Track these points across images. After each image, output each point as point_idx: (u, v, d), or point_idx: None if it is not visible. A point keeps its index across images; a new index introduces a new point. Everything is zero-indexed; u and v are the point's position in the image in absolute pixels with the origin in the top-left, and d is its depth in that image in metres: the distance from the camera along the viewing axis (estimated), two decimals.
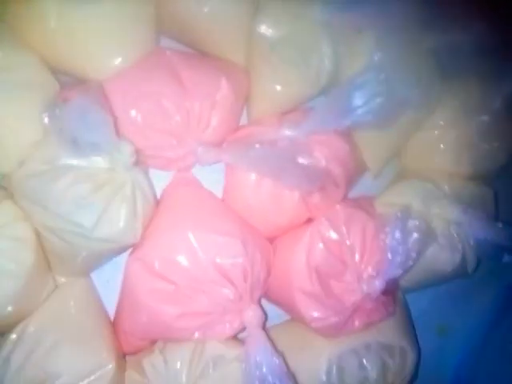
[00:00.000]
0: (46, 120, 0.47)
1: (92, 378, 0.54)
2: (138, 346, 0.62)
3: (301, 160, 0.58)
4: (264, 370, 0.55)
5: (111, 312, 0.63)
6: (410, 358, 0.68)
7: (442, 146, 0.72)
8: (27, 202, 0.52)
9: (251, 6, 0.61)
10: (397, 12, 0.61)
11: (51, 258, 0.57)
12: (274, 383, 0.54)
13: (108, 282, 0.64)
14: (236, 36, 0.63)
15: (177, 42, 0.65)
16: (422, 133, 0.72)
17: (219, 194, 0.67)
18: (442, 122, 0.71)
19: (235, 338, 0.62)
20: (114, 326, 0.62)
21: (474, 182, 0.72)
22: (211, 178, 0.68)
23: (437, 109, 0.71)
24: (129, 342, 0.62)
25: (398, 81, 0.61)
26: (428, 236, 0.63)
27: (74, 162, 0.52)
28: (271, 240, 0.67)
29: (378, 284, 0.61)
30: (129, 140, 0.53)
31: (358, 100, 0.56)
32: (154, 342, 0.62)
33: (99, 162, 0.53)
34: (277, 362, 0.55)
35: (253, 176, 0.62)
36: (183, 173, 0.66)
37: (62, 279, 0.60)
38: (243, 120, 0.69)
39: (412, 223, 0.61)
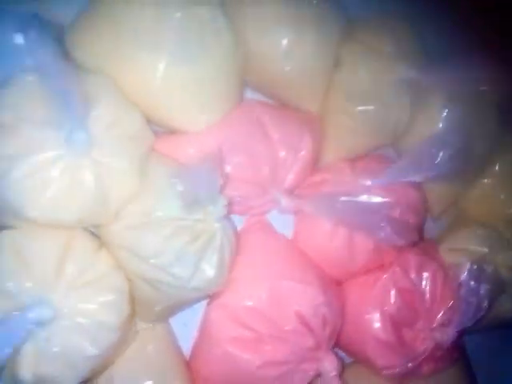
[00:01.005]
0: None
1: None
2: None
3: (385, 212, 0.59)
4: None
5: (186, 355, 0.64)
6: None
7: (502, 193, 0.74)
8: (124, 252, 0.53)
9: (331, 60, 0.63)
10: (469, 74, 0.63)
11: (135, 304, 0.58)
12: None
13: (185, 326, 0.64)
14: (314, 89, 0.65)
15: (255, 91, 0.67)
16: (483, 179, 0.74)
17: (288, 235, 0.69)
18: (503, 171, 0.73)
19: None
20: (190, 369, 0.63)
21: None
22: (280, 219, 0.69)
23: (499, 157, 0.73)
24: None
25: (471, 135, 0.64)
26: (498, 286, 0.64)
27: (171, 214, 0.53)
28: (338, 283, 0.69)
29: (451, 333, 0.63)
30: (223, 193, 0.55)
31: (443, 155, 0.58)
32: None
33: (194, 213, 0.54)
34: None
35: (328, 223, 0.64)
36: (258, 217, 0.67)
37: (142, 324, 0.61)
38: None
39: (484, 274, 0.63)
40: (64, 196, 0.48)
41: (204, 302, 0.63)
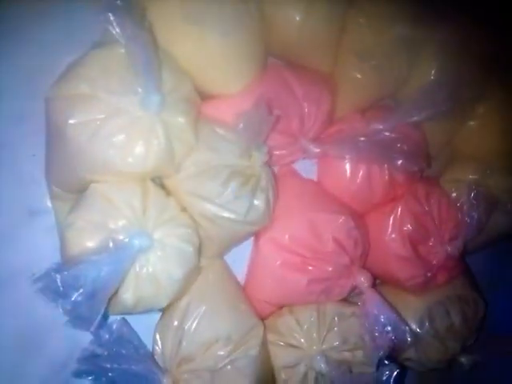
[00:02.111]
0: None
1: (248, 337, 0.66)
2: (267, 311, 0.75)
3: (398, 146, 0.71)
4: (382, 320, 0.69)
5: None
6: (481, 306, 0.82)
7: (489, 129, 0.86)
8: (189, 196, 0.64)
9: (340, 26, 0.74)
10: (454, 28, 0.76)
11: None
12: (392, 332, 0.68)
13: (234, 262, 0.76)
14: (327, 51, 0.76)
15: (276, 58, 0.78)
16: (471, 120, 0.87)
17: None
18: (487, 111, 0.86)
19: (346, 299, 0.75)
20: (246, 294, 0.74)
21: None
22: (302, 170, 0.81)
23: (483, 100, 0.86)
24: (260, 308, 0.74)
25: (460, 82, 0.76)
26: (492, 204, 0.78)
27: (224, 162, 0.64)
28: (360, 216, 0.81)
29: (460, 244, 0.75)
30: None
31: (435, 99, 0.70)
32: (280, 307, 0.75)
33: (243, 160, 0.65)
34: (392, 313, 0.69)
35: (348, 164, 0.76)
36: (287, 166, 0.79)
37: (202, 261, 0.71)
38: None
39: (481, 193, 0.76)
40: (143, 150, 0.58)
41: (248, 244, 0.75)
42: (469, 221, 0.74)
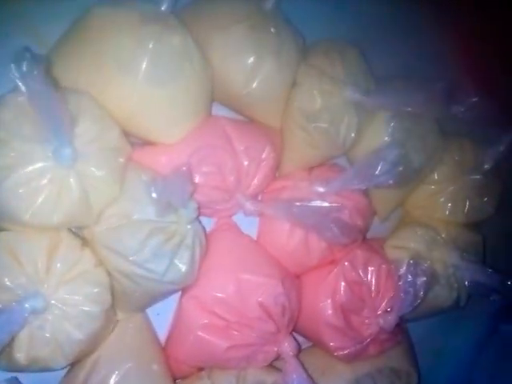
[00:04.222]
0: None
1: None
2: (186, 372, 0.71)
3: (334, 215, 0.68)
4: None
5: (161, 340, 0.72)
6: (414, 380, 0.79)
7: (440, 198, 0.85)
8: (106, 250, 0.60)
9: (289, 82, 0.72)
10: (409, 94, 0.73)
11: (115, 296, 0.65)
12: None
13: (158, 315, 0.72)
14: (274, 107, 0.73)
15: (223, 106, 0.75)
16: (423, 186, 0.85)
17: (252, 235, 0.77)
18: (441, 178, 0.84)
19: (270, 364, 0.72)
20: (166, 353, 0.70)
21: (467, 229, 0.85)
22: (245, 221, 0.78)
23: (437, 167, 0.84)
24: (179, 369, 0.70)
25: (411, 149, 0.74)
26: (432, 279, 0.75)
27: (146, 216, 0.61)
28: (296, 276, 0.78)
29: (393, 319, 0.73)
30: (193, 198, 0.63)
31: (381, 168, 0.67)
32: (201, 369, 0.71)
33: (168, 216, 0.62)
34: None
35: (286, 224, 0.73)
36: (225, 219, 0.76)
37: (120, 314, 0.68)
38: None
39: (420, 268, 0.73)
40: (52, 202, 0.54)
41: (176, 295, 0.71)
42: (403, 296, 0.72)
